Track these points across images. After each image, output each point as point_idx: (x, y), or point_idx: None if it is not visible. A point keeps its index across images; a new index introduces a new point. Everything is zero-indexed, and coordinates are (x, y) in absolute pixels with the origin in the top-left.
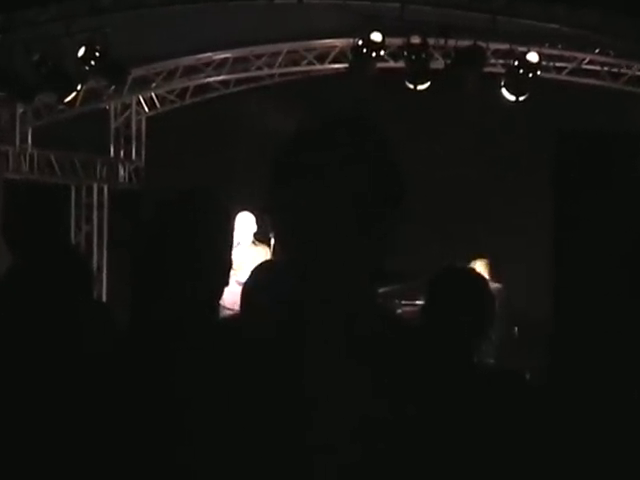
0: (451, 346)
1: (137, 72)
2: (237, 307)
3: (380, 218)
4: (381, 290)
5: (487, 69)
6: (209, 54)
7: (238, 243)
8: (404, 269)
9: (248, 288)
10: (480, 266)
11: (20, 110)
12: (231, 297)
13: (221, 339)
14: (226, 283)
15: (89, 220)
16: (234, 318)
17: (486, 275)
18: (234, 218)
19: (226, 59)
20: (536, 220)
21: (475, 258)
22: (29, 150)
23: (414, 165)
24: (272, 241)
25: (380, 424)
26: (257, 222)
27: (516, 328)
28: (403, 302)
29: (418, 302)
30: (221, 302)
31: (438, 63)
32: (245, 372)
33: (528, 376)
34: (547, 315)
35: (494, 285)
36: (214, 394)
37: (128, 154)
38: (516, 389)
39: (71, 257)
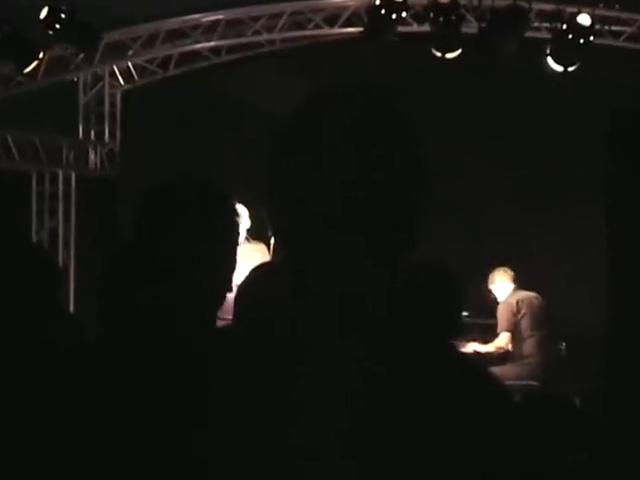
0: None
1: (111, 37)
2: (230, 316)
3: (401, 209)
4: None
5: (529, 34)
6: (197, 16)
7: None
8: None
9: (242, 295)
10: (501, 275)
11: None
12: (224, 304)
13: (212, 353)
14: (229, 289)
15: (54, 214)
16: (226, 330)
17: (509, 283)
18: (237, 213)
19: (217, 22)
20: (586, 217)
21: (496, 266)
22: None
23: (441, 150)
24: (271, 239)
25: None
26: (252, 216)
27: (563, 344)
28: None
29: None
30: None
31: (471, 27)
32: (237, 390)
33: (578, 402)
34: (601, 329)
35: (522, 293)
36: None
37: (100, 135)
38: (562, 418)
39: (34, 258)
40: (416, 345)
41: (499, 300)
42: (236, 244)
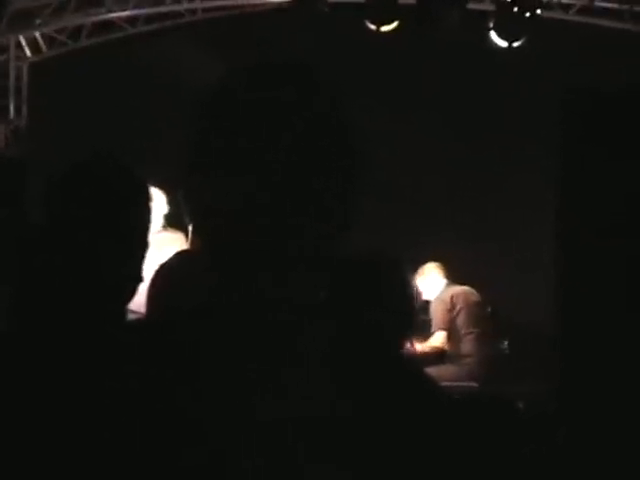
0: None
1: (16, 4)
2: (143, 309)
3: (329, 194)
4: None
5: (472, 5)
6: None
7: None
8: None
9: (157, 286)
10: (432, 268)
11: None
12: (137, 296)
13: (122, 348)
14: (139, 279)
15: None
16: (138, 323)
17: (440, 277)
18: (150, 194)
19: None
20: (532, 203)
21: (428, 260)
22: None
23: (375, 134)
24: (189, 227)
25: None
26: (169, 201)
27: (506, 342)
28: None
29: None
30: None
31: None
32: (152, 388)
33: (521, 404)
34: (546, 325)
35: (456, 288)
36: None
37: (4, 111)
38: (504, 421)
39: None
40: (353, 346)
41: (427, 296)
42: (147, 230)
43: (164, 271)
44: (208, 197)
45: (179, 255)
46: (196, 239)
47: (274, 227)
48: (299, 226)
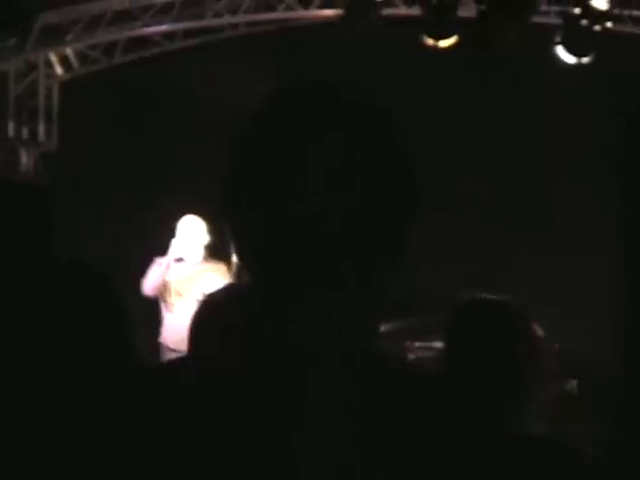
0: (475, 409)
1: (46, 19)
2: (184, 347)
3: (386, 229)
4: (384, 327)
5: (537, 19)
6: None
7: (180, 259)
8: (415, 298)
9: (199, 322)
10: None
11: None
12: (176, 333)
13: (155, 391)
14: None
15: None
16: (178, 362)
17: None
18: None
19: (172, 2)
20: (599, 233)
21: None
22: None
23: (432, 157)
24: (233, 257)
25: None
26: (210, 230)
27: (574, 382)
28: (417, 344)
29: (435, 344)
30: (162, 340)
31: (469, 9)
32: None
33: (590, 450)
34: (619, 364)
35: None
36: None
37: (33, 134)
38: (571, 470)
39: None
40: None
41: None
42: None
43: (210, 307)
44: (258, 226)
45: (226, 289)
46: (243, 272)
47: (331, 260)
48: (354, 260)
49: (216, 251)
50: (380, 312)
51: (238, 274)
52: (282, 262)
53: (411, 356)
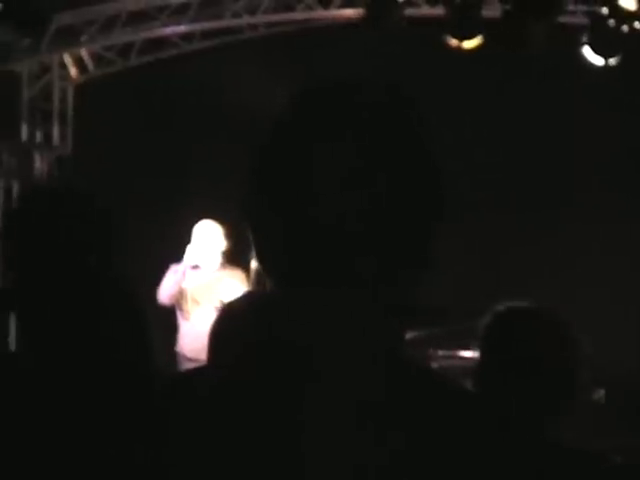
0: (515, 423)
1: (61, 20)
2: (202, 356)
3: (410, 229)
4: (410, 334)
5: (563, 19)
6: None
7: (196, 266)
8: (442, 305)
9: (219, 331)
10: None
11: None
12: (194, 342)
13: (171, 401)
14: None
15: None
16: (198, 372)
17: None
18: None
19: (189, 2)
20: (631, 245)
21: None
22: None
23: (459, 160)
24: (253, 264)
25: None
26: (228, 235)
27: (602, 391)
28: (441, 352)
29: (464, 353)
30: (178, 349)
31: (493, 9)
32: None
33: (619, 460)
34: None
35: None
36: None
37: (47, 137)
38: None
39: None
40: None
41: None
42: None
43: (231, 316)
44: (279, 228)
45: (246, 297)
46: (262, 278)
47: (356, 266)
48: (377, 258)
49: (234, 257)
50: (408, 315)
51: (257, 280)
52: (304, 262)
53: (434, 364)
